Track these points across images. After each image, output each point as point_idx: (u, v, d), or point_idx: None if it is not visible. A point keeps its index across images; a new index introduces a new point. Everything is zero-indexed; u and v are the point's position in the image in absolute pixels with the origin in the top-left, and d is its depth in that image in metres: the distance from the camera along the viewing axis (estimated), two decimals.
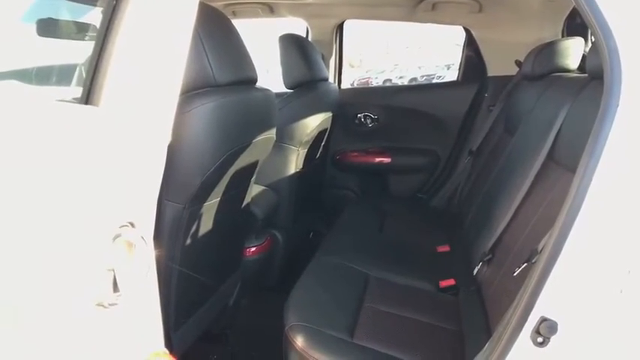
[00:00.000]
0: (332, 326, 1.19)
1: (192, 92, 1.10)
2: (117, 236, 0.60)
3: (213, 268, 1.43)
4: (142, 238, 0.62)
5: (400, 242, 1.82)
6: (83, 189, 0.58)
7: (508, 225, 1.36)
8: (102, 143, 0.63)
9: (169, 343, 1.13)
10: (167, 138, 0.80)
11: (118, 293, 0.60)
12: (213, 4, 2.31)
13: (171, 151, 0.82)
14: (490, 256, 1.38)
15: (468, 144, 2.37)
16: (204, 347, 1.56)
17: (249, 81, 1.32)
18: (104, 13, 0.78)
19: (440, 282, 1.50)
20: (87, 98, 0.67)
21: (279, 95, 2.03)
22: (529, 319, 0.79)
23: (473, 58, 2.38)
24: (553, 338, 0.79)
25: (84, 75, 0.78)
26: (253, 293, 1.89)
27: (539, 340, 0.79)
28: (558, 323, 0.78)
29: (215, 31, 1.19)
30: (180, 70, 0.81)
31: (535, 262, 0.88)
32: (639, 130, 0.75)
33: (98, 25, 0.79)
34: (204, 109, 1.09)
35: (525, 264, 1.01)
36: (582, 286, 0.78)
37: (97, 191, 0.60)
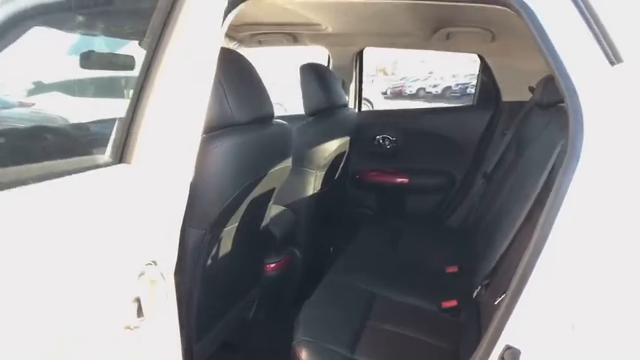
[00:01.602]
0: (335, 342, 1.29)
1: (213, 132, 1.23)
2: (142, 273, 0.75)
3: (233, 285, 1.57)
4: (162, 275, 0.77)
5: (411, 262, 1.91)
6: (117, 235, 0.74)
7: (506, 251, 1.44)
8: (133, 196, 0.78)
9: (190, 354, 1.28)
10: (189, 178, 0.94)
11: (141, 318, 0.75)
12: (240, 35, 2.50)
13: (194, 184, 0.93)
14: (488, 280, 1.47)
15: (483, 166, 2.44)
16: (222, 358, 1.67)
17: (266, 117, 1.44)
18: (139, 75, 0.91)
19: (442, 303, 1.58)
20: (120, 157, 0.83)
21: (299, 117, 2.18)
22: (496, 347, 0.89)
23: (488, 83, 2.46)
24: None
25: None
26: (272, 307, 2.00)
27: None
28: (521, 351, 0.88)
29: (234, 74, 1.29)
30: (202, 117, 0.93)
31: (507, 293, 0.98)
32: (599, 185, 0.84)
33: (132, 88, 0.93)
34: (224, 148, 1.22)
35: (504, 294, 1.10)
36: (542, 319, 0.87)
37: (128, 236, 0.75)
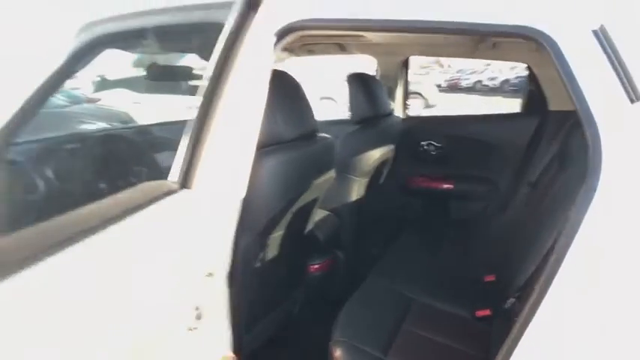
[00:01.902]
0: (369, 344, 1.38)
1: (262, 149, 1.31)
2: (201, 284, 0.91)
3: (279, 285, 1.71)
4: (217, 285, 0.93)
5: (450, 269, 1.95)
6: (182, 253, 0.90)
7: (538, 266, 1.47)
8: (195, 218, 0.93)
9: (240, 345, 1.43)
10: (242, 196, 1.08)
11: (200, 320, 0.91)
12: (291, 45, 2.63)
13: (244, 197, 1.06)
14: (520, 293, 1.50)
15: (528, 175, 2.43)
16: (267, 352, 1.79)
17: (311, 133, 1.54)
18: (199, 106, 1.03)
19: (476, 311, 1.63)
20: (184, 183, 0.98)
21: (344, 122, 2.27)
22: None
23: (535, 92, 2.44)
24: None
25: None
26: (315, 307, 2.09)
27: None
28: None
29: (283, 94, 1.39)
30: (255, 139, 1.05)
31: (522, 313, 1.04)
32: (614, 218, 0.88)
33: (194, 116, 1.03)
34: (273, 165, 1.33)
35: None
36: (553, 341, 0.94)
37: (190, 254, 0.91)
